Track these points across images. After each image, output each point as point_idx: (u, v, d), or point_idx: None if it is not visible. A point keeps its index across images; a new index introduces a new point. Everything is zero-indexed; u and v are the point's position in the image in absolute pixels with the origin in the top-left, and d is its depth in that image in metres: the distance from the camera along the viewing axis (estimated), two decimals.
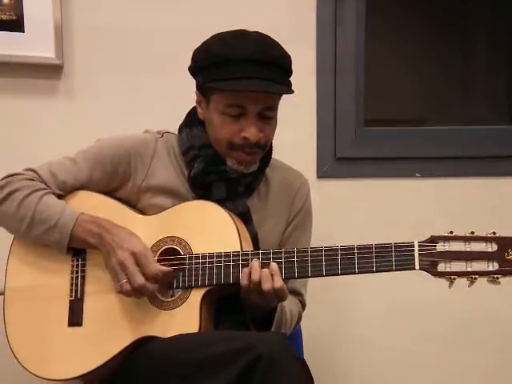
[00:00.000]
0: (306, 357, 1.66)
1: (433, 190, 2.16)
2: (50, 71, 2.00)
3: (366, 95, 2.15)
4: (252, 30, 1.52)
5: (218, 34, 1.53)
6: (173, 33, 2.03)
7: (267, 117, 1.52)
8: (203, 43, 1.54)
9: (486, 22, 3.24)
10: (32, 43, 1.95)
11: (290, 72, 1.54)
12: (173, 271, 1.46)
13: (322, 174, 2.12)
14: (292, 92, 1.51)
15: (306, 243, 1.68)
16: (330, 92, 2.11)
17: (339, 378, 2.16)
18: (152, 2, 2.05)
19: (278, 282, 1.41)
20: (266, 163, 1.62)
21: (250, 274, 1.41)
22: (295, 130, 2.05)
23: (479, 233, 1.36)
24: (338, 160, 2.13)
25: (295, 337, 1.72)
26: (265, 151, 1.57)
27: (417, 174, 2.16)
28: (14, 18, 1.94)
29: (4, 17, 1.93)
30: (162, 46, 2.04)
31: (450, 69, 3.25)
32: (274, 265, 1.42)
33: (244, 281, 1.42)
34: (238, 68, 1.45)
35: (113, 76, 2.03)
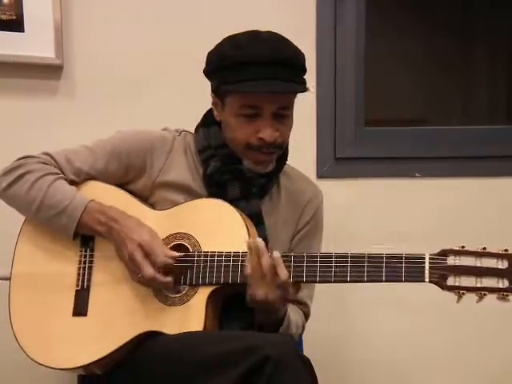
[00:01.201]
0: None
1: (433, 190, 2.15)
2: (50, 71, 2.00)
3: (365, 95, 2.15)
4: (264, 30, 1.52)
5: (231, 36, 1.53)
6: (174, 33, 2.03)
7: (283, 116, 1.52)
8: (216, 46, 1.54)
9: (486, 21, 3.24)
10: (32, 43, 1.95)
11: (304, 69, 1.55)
12: (181, 256, 1.46)
13: (322, 173, 2.12)
14: (306, 90, 1.51)
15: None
16: (329, 92, 2.11)
17: (342, 379, 2.16)
18: (153, 1, 2.05)
19: (283, 274, 1.39)
20: (281, 164, 1.62)
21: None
22: (295, 130, 2.03)
23: (490, 249, 1.35)
24: (337, 160, 2.13)
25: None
26: (282, 150, 1.58)
27: (417, 174, 2.16)
28: (14, 17, 1.94)
29: (4, 17, 1.93)
30: (163, 46, 2.04)
31: (450, 69, 3.24)
32: (276, 252, 1.40)
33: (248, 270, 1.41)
34: (251, 70, 1.46)
35: (113, 76, 2.04)
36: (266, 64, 1.46)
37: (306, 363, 1.33)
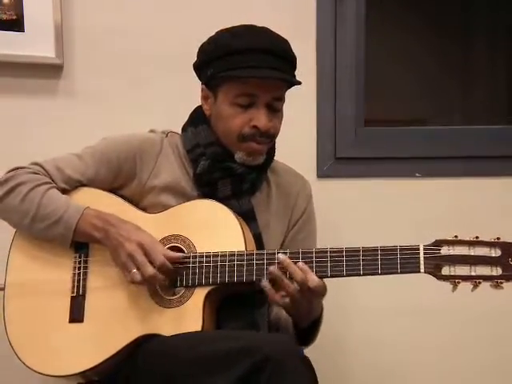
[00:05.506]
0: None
1: (433, 190, 2.15)
2: (50, 71, 2.00)
3: (366, 95, 2.15)
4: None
5: (224, 29, 1.55)
6: (173, 33, 2.03)
7: (275, 108, 1.54)
8: (210, 38, 1.56)
9: (486, 21, 3.24)
10: (32, 43, 1.95)
11: (296, 67, 1.57)
12: (182, 257, 1.46)
13: (322, 173, 2.12)
14: (301, 83, 1.54)
15: (313, 245, 1.68)
16: (330, 92, 2.11)
17: (341, 379, 2.16)
18: (152, 1, 2.05)
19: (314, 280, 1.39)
20: (270, 159, 1.62)
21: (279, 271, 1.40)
22: (295, 130, 2.04)
23: (483, 237, 1.37)
24: (337, 160, 2.13)
25: None
26: (272, 143, 1.59)
27: (417, 174, 2.16)
28: (14, 17, 1.94)
29: (4, 16, 1.93)
30: (162, 46, 2.04)
31: (450, 68, 3.25)
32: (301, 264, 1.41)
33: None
34: (250, 57, 1.47)
35: (113, 76, 2.03)
36: (266, 53, 1.48)
37: (306, 363, 1.32)
